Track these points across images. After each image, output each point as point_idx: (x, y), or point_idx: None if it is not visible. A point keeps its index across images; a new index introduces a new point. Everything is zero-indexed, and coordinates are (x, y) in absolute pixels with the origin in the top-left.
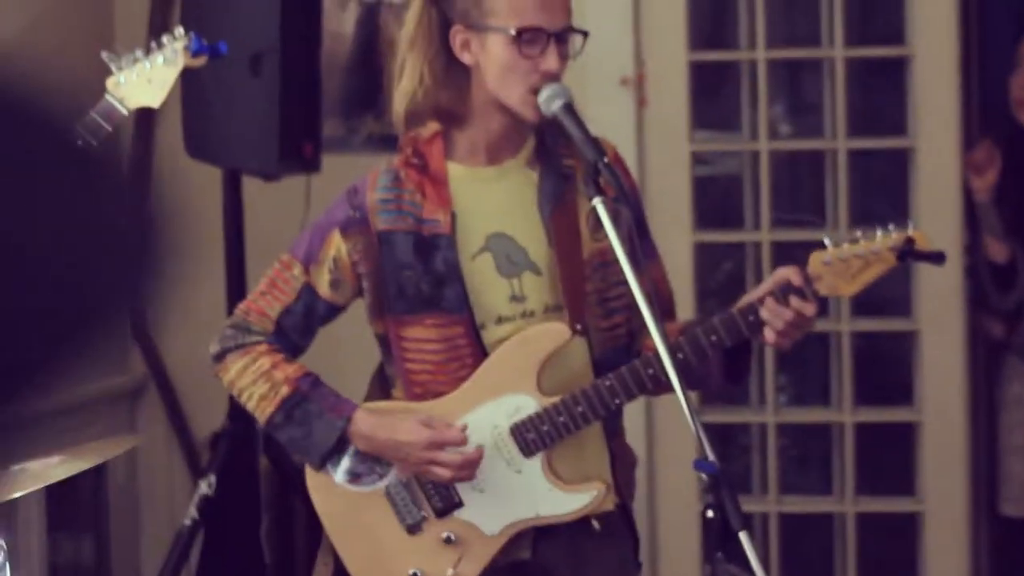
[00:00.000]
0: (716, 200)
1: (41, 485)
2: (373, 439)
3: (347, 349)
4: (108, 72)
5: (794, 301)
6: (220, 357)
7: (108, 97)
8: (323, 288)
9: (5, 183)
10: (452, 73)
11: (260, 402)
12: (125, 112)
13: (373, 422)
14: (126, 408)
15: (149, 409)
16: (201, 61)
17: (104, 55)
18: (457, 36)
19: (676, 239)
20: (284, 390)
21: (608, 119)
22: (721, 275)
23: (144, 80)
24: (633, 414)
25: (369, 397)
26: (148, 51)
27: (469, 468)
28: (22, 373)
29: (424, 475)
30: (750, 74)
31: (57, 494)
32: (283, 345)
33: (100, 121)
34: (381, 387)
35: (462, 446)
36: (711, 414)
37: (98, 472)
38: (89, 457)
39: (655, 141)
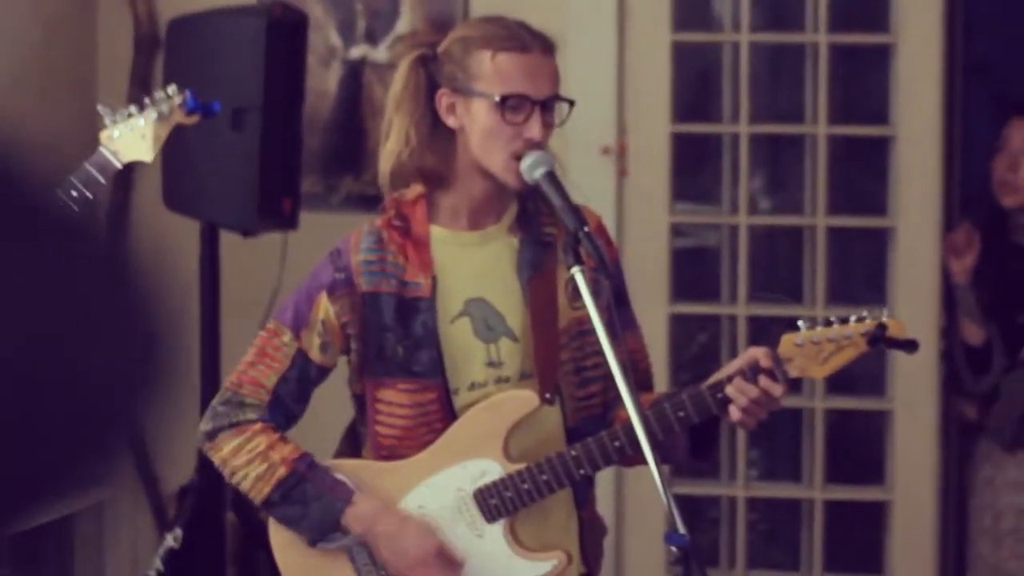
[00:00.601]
0: (693, 272)
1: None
2: (372, 528)
3: (318, 406)
4: (91, 122)
5: (763, 381)
6: (212, 435)
7: (103, 150)
8: (315, 352)
9: None
10: (437, 136)
11: (256, 483)
12: (119, 166)
13: (375, 510)
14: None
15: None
16: (194, 119)
17: (100, 107)
18: (443, 99)
19: (653, 310)
20: (281, 471)
21: (589, 187)
22: (696, 347)
23: (138, 135)
24: (603, 483)
25: (339, 454)
26: (142, 106)
27: None
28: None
29: None
30: (732, 147)
31: (21, 544)
32: (279, 415)
33: (95, 174)
34: (351, 445)
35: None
36: (681, 486)
37: (64, 523)
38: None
39: (635, 211)
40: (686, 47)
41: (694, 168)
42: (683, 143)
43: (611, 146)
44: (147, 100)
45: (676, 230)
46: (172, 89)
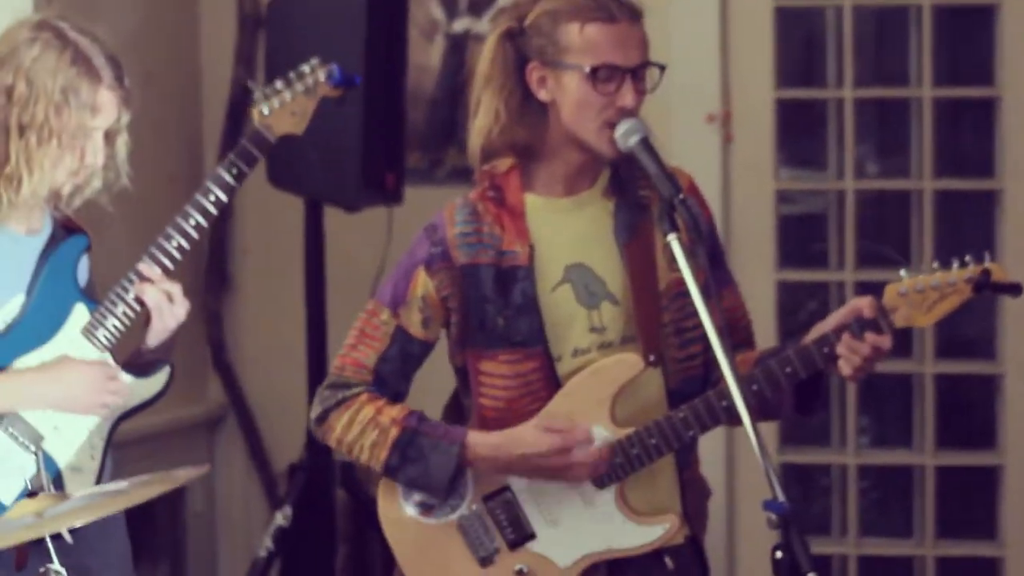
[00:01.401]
0: (801, 239)
1: (117, 509)
2: (495, 459)
3: (420, 380)
4: (196, 103)
5: (870, 336)
6: (323, 418)
7: (258, 126)
8: (415, 328)
9: None
10: (528, 109)
11: (372, 450)
12: (273, 140)
13: (493, 442)
14: (204, 437)
15: (228, 439)
16: (339, 91)
17: (250, 84)
18: (533, 73)
19: (760, 277)
20: (393, 432)
21: (693, 155)
22: (804, 314)
23: (287, 110)
24: (713, 446)
25: None
26: (288, 81)
27: (603, 466)
28: None
29: (560, 480)
30: (837, 113)
31: (135, 520)
32: (383, 394)
33: (252, 150)
34: (455, 418)
35: (589, 444)
36: (791, 454)
37: (176, 499)
38: (158, 484)
39: (740, 178)
40: (789, 12)
41: (799, 134)
42: (788, 109)
43: (715, 113)
44: (292, 74)
45: (782, 197)
46: (315, 62)
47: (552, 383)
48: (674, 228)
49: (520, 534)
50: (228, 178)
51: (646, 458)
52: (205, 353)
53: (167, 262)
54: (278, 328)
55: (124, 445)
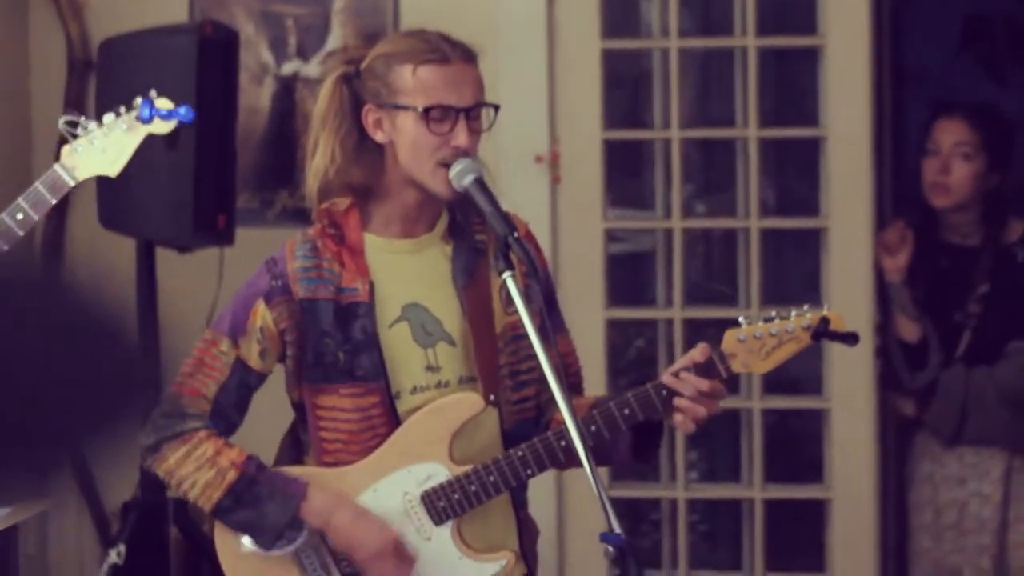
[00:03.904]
0: (629, 277)
1: None
2: (329, 521)
3: (256, 412)
4: (26, 144)
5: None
6: (156, 448)
7: (56, 167)
8: (254, 360)
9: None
10: (365, 151)
11: (206, 489)
12: (72, 183)
13: (332, 502)
14: (36, 476)
15: (60, 479)
16: (168, 127)
17: (62, 122)
18: (369, 115)
19: (589, 315)
20: (231, 475)
21: (522, 196)
22: (633, 352)
23: (98, 149)
24: (544, 484)
25: (279, 461)
26: (99, 121)
27: None
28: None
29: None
30: (664, 153)
31: None
32: (220, 424)
33: (45, 193)
34: (293, 451)
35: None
36: (621, 489)
37: (8, 540)
38: None
39: (569, 218)
40: (616, 54)
41: (627, 174)
42: (615, 150)
43: (544, 154)
44: (110, 114)
45: (611, 236)
46: (137, 100)
47: (392, 419)
48: (509, 266)
49: (355, 568)
50: (11, 224)
51: (483, 495)
52: None
53: None
54: None
55: None
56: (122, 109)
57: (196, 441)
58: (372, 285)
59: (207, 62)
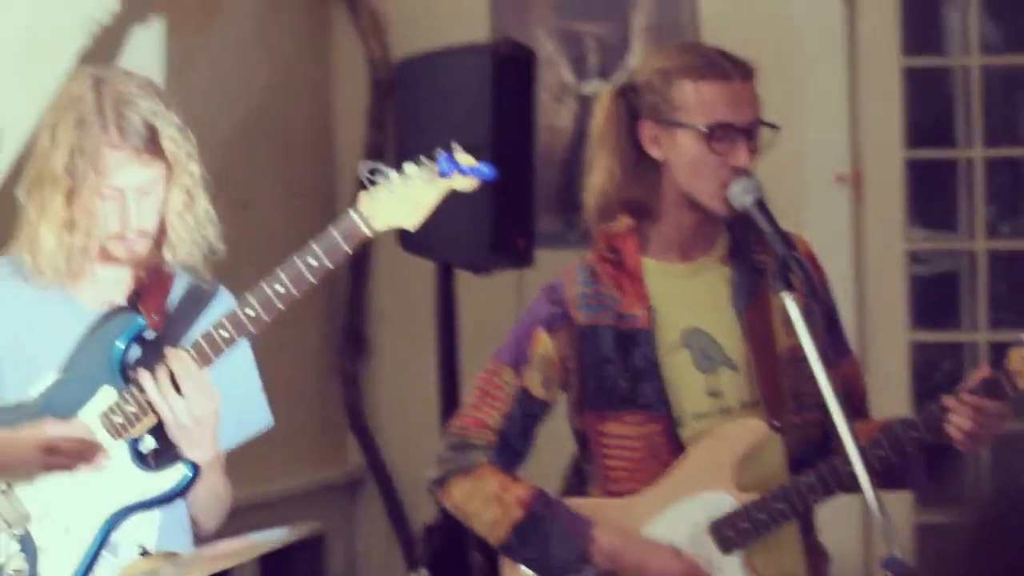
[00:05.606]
0: (933, 299)
1: (227, 566)
2: (619, 561)
3: (539, 443)
4: (330, 168)
5: (988, 398)
6: (442, 482)
7: (353, 214)
8: (537, 389)
9: None
10: (642, 167)
11: (492, 527)
12: (369, 233)
13: (619, 544)
14: (345, 499)
15: (367, 500)
16: (471, 184)
17: (361, 167)
18: (646, 131)
19: (893, 338)
20: (517, 514)
21: (824, 216)
22: (939, 375)
23: (396, 199)
24: (849, 510)
25: (564, 493)
26: (402, 171)
27: None
28: None
29: None
30: (967, 172)
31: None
32: (506, 455)
33: (339, 241)
34: (576, 483)
35: None
36: (927, 515)
37: (316, 561)
38: (263, 544)
39: (871, 239)
40: (918, 71)
41: (930, 194)
42: (918, 169)
43: (846, 174)
44: (411, 164)
45: (914, 257)
46: (438, 152)
47: (675, 447)
48: (789, 287)
49: None
50: (303, 269)
51: (772, 523)
52: (342, 416)
53: (209, 351)
54: (413, 390)
55: (263, 507)
56: (423, 159)
57: (481, 475)
58: (652, 311)
59: (503, 81)
